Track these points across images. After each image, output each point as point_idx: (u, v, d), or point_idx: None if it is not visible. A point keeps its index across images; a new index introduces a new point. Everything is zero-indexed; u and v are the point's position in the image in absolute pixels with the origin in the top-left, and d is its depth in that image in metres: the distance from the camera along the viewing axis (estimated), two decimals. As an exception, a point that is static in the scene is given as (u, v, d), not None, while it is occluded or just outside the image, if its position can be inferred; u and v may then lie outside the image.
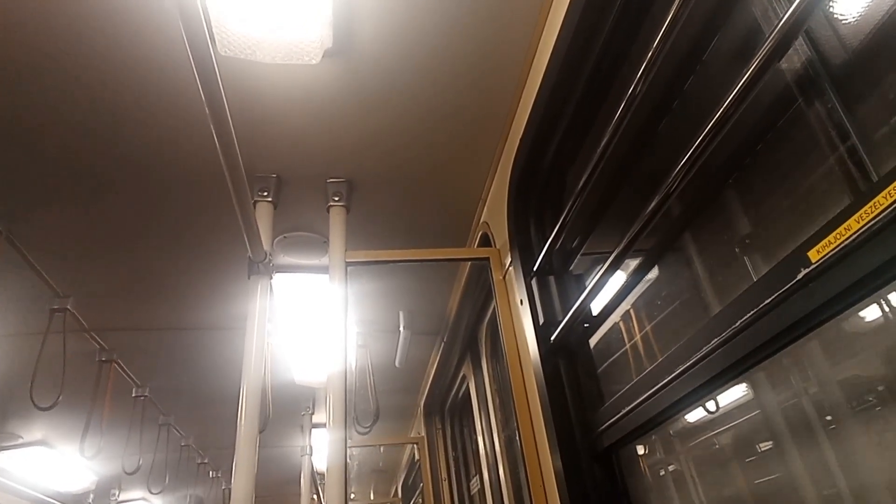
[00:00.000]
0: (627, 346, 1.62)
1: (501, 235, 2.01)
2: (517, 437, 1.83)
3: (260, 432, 1.72)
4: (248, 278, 1.83)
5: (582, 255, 1.74)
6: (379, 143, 1.95)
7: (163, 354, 3.35)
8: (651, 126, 1.36)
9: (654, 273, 1.50)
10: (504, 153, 1.98)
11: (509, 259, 1.93)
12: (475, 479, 3.70)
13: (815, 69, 0.94)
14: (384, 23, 1.53)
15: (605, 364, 1.66)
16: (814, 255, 0.80)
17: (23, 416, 3.84)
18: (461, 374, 3.57)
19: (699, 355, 1.05)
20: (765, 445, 1.18)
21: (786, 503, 1.11)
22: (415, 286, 2.91)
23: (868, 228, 0.72)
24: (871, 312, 0.89)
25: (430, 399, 4.21)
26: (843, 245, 0.75)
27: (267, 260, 1.82)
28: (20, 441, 4.22)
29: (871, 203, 0.72)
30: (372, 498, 7.77)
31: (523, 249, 1.84)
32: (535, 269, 1.75)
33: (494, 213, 2.12)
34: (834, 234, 0.77)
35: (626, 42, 1.36)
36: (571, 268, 1.77)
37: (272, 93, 1.72)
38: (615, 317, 1.63)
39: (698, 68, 1.22)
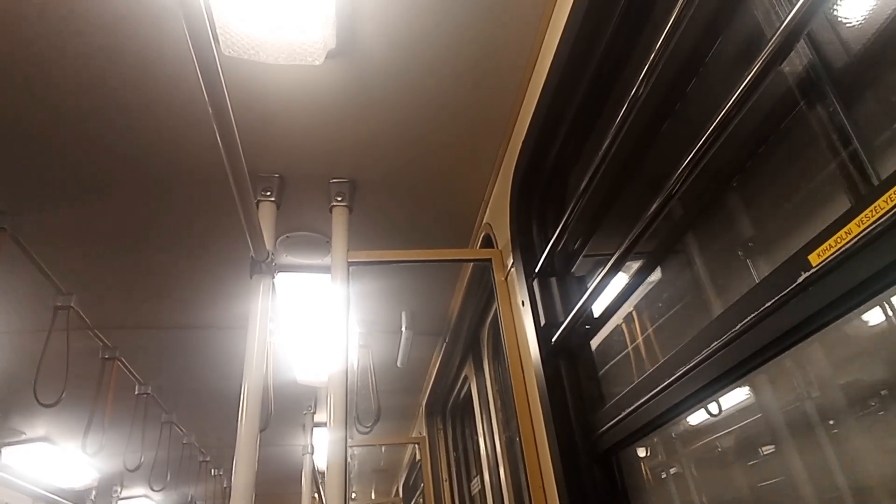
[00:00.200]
0: (629, 348, 1.62)
1: (504, 237, 2.01)
2: (518, 439, 1.83)
3: (261, 431, 1.72)
4: (251, 277, 1.84)
5: (584, 256, 1.74)
6: (382, 144, 1.96)
7: (166, 352, 3.37)
8: (653, 128, 1.36)
9: (655, 275, 1.50)
10: (507, 154, 1.98)
11: (511, 260, 1.93)
12: (476, 479, 3.70)
13: (816, 72, 0.94)
14: (387, 24, 1.53)
15: (606, 366, 1.66)
16: (814, 258, 0.80)
17: (26, 412, 3.86)
18: (463, 375, 3.57)
19: (699, 358, 1.05)
20: (765, 449, 1.18)
21: (785, 507, 1.10)
22: (417, 287, 2.91)
23: (869, 232, 0.72)
24: (872, 316, 0.89)
25: (431, 399, 4.21)
26: (843, 249, 0.75)
27: (269, 259, 1.83)
28: (23, 437, 4.24)
29: (871, 207, 0.71)
30: (373, 497, 7.78)
31: (525, 251, 1.85)
32: (536, 270, 1.76)
33: (497, 214, 2.12)
34: (835, 237, 0.76)
35: (629, 44, 1.36)
36: (573, 269, 1.77)
37: (275, 93, 1.72)
38: (616, 319, 1.63)
39: (700, 71, 1.22)
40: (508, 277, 1.98)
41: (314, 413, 4.36)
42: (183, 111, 1.75)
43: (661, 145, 1.38)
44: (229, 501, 1.59)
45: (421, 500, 4.54)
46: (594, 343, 1.67)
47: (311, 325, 2.99)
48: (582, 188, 1.41)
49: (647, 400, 1.23)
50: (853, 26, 0.91)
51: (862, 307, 0.81)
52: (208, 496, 5.48)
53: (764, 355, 0.93)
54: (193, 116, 1.76)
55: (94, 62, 1.57)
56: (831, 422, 1.00)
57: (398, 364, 3.40)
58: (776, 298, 0.86)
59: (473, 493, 3.82)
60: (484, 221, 2.31)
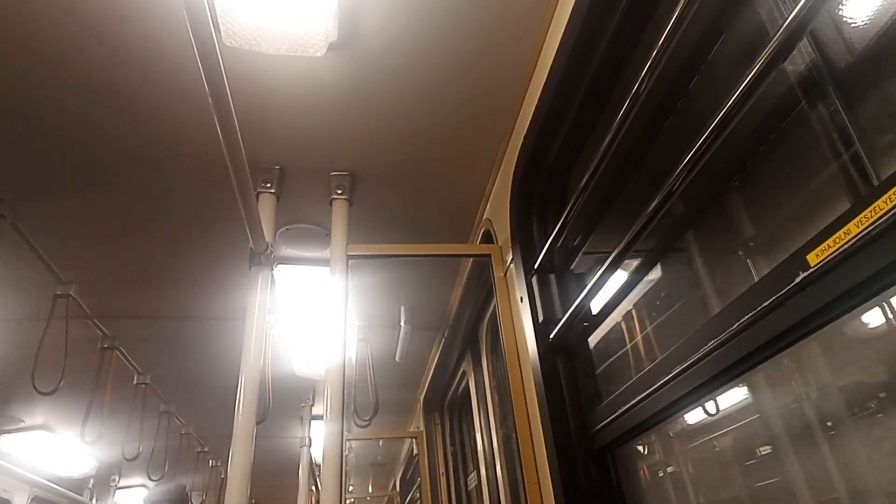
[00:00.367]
0: (627, 346, 1.62)
1: (503, 232, 2.01)
2: (515, 435, 1.83)
3: (259, 423, 1.72)
4: (250, 269, 1.83)
5: (583, 253, 1.74)
6: (383, 137, 1.95)
7: (165, 343, 3.37)
8: (654, 126, 1.36)
9: (654, 273, 1.50)
10: (508, 150, 1.97)
11: (511, 256, 1.93)
12: (473, 474, 3.71)
13: (819, 71, 0.94)
14: (389, 16, 1.53)
15: (604, 363, 1.66)
16: (812, 258, 0.79)
17: (25, 400, 3.88)
18: (461, 370, 3.58)
19: (696, 357, 1.05)
20: (760, 448, 1.18)
21: (779, 506, 1.11)
22: (416, 281, 2.91)
23: (868, 233, 0.71)
24: (870, 317, 0.89)
25: (429, 394, 4.22)
26: (842, 249, 0.75)
27: (269, 251, 1.83)
28: (22, 425, 4.26)
29: (871, 207, 0.71)
30: (370, 491, 7.80)
31: (525, 247, 1.84)
32: (536, 266, 1.75)
33: (497, 209, 2.12)
34: (833, 237, 0.76)
35: (631, 41, 1.35)
36: (572, 266, 1.77)
37: (276, 85, 1.71)
38: (615, 316, 1.62)
39: (702, 68, 1.22)
40: (508, 273, 1.98)
41: (312, 406, 4.37)
42: (183, 101, 1.74)
43: (662, 143, 1.38)
44: (225, 492, 1.59)
45: (418, 495, 4.55)
46: (592, 340, 1.67)
47: (310, 318, 2.99)
48: (582, 185, 1.41)
49: (644, 398, 1.23)
50: (856, 26, 0.90)
51: (860, 308, 0.81)
52: (206, 486, 5.49)
53: (761, 355, 0.93)
54: (194, 107, 1.75)
55: (94, 52, 1.57)
56: (828, 423, 1.00)
57: (396, 358, 3.40)
58: (774, 298, 0.86)
59: (470, 487, 3.83)
60: (484, 217, 2.31)
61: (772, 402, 1.14)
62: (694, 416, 1.35)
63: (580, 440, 1.54)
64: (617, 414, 1.35)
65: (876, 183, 0.82)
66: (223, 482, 5.60)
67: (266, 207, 2.00)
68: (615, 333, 1.66)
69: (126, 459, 3.45)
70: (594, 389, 1.62)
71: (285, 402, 4.08)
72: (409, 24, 1.55)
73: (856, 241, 0.73)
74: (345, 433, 1.75)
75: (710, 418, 1.28)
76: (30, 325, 2.70)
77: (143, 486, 5.91)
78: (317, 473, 4.60)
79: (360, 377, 3.18)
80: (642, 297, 1.56)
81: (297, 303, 2.86)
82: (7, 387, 3.61)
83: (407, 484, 6.12)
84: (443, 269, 2.81)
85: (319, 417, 4.36)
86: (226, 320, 3.06)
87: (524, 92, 1.76)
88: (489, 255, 2.08)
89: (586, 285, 1.42)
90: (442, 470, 4.10)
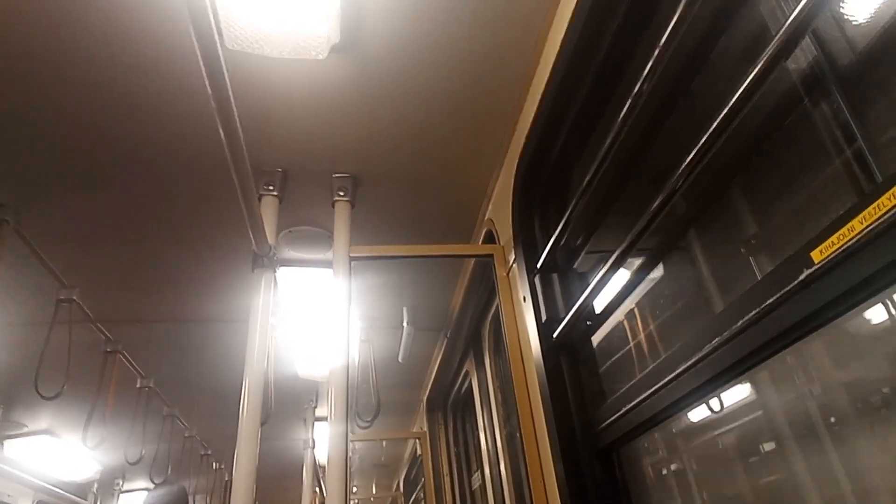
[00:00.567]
0: (630, 344, 1.62)
1: (506, 232, 2.01)
2: (518, 434, 1.83)
3: (262, 425, 1.73)
4: (253, 271, 1.84)
5: (586, 252, 1.74)
6: (385, 139, 1.95)
7: (167, 346, 3.38)
8: (657, 124, 1.36)
9: (657, 272, 1.50)
10: (510, 150, 1.97)
11: (513, 256, 1.93)
12: (476, 474, 3.71)
13: (821, 69, 0.94)
14: (391, 18, 1.53)
15: (607, 362, 1.66)
16: (816, 255, 0.79)
17: (28, 405, 3.88)
18: (464, 371, 3.58)
19: (700, 354, 1.05)
20: (765, 445, 1.18)
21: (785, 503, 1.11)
22: (419, 282, 2.91)
23: (871, 230, 0.71)
24: (874, 314, 0.89)
25: (432, 394, 4.22)
26: (846, 246, 0.75)
27: (271, 253, 1.83)
28: (25, 430, 4.26)
29: (874, 204, 0.71)
30: (374, 492, 7.80)
31: (527, 246, 1.85)
32: (538, 266, 1.76)
33: (499, 209, 2.12)
34: (837, 234, 0.76)
35: (633, 39, 1.35)
36: (575, 265, 1.77)
37: (279, 87, 1.72)
38: (618, 315, 1.63)
39: (705, 67, 1.22)
40: (510, 273, 1.98)
41: (315, 407, 4.37)
42: (186, 105, 1.75)
43: (664, 141, 1.38)
44: (231, 495, 1.60)
45: (422, 495, 4.55)
46: (595, 339, 1.67)
47: (313, 320, 2.99)
48: (585, 184, 1.41)
49: (648, 396, 1.23)
50: (858, 23, 0.91)
51: (864, 305, 0.81)
52: (209, 489, 5.49)
53: (765, 352, 0.94)
54: (196, 110, 1.76)
55: (97, 56, 1.57)
56: (833, 419, 1.00)
57: (399, 359, 3.41)
58: (778, 295, 0.86)
59: (474, 487, 3.83)
60: (486, 217, 2.31)
61: (777, 398, 1.14)
62: (699, 414, 1.35)
63: (585, 438, 1.54)
64: (621, 412, 1.35)
65: (879, 180, 0.83)
66: (227, 485, 5.60)
67: (268, 210, 2.01)
68: (618, 332, 1.66)
69: (129, 463, 3.45)
70: (598, 388, 1.62)
71: (288, 404, 4.08)
72: (411, 25, 1.55)
73: (860, 238, 0.73)
74: (349, 434, 1.76)
75: (715, 415, 1.28)
76: (33, 330, 2.70)
77: (147, 489, 5.91)
78: (320, 475, 4.60)
79: (363, 378, 3.18)
80: (645, 295, 1.56)
81: (300, 305, 2.86)
82: (10, 392, 3.62)
83: (410, 484, 6.12)
84: (445, 269, 2.82)
85: (323, 419, 4.36)
86: (229, 323, 3.06)
87: (526, 92, 1.77)
88: (491, 255, 2.08)
89: (589, 284, 1.43)
90: (445, 470, 4.11)
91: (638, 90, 1.15)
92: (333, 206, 2.11)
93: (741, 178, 1.19)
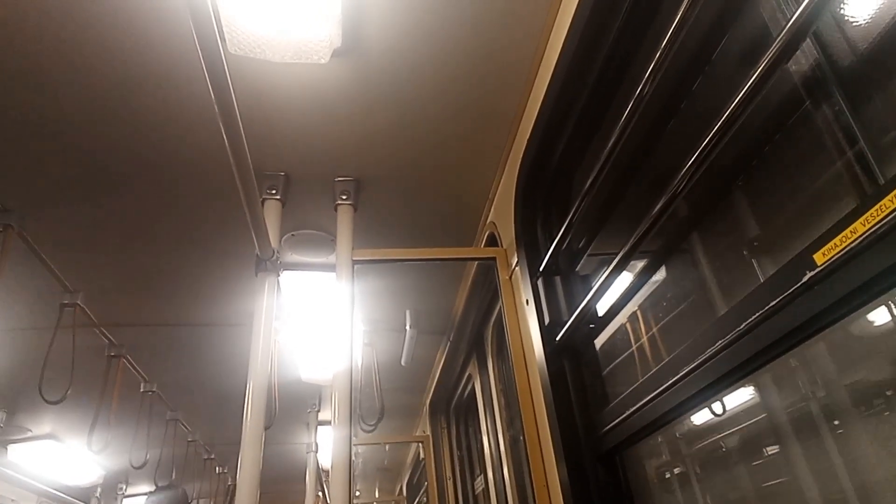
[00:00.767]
0: (633, 347, 1.62)
1: (508, 235, 2.02)
2: (522, 437, 1.83)
3: (266, 429, 1.73)
4: (256, 275, 1.85)
5: (588, 255, 1.74)
6: (387, 143, 1.96)
7: (171, 350, 3.38)
8: (659, 127, 1.36)
9: (660, 274, 1.50)
10: (512, 153, 1.98)
11: (516, 259, 1.93)
12: (479, 478, 3.70)
13: (822, 71, 0.94)
14: (393, 22, 1.54)
15: (611, 365, 1.66)
16: (819, 257, 0.79)
17: (32, 409, 3.88)
18: (467, 374, 3.58)
19: (704, 357, 1.05)
20: (769, 448, 1.17)
21: (790, 506, 1.10)
22: (421, 285, 2.92)
23: (874, 232, 0.71)
24: (877, 316, 0.89)
25: (435, 398, 4.22)
26: (848, 248, 0.75)
27: (275, 257, 1.84)
28: (29, 434, 4.27)
29: (877, 206, 0.71)
30: (377, 496, 7.79)
31: (530, 249, 1.85)
32: (541, 269, 1.76)
33: (501, 212, 2.12)
34: (840, 236, 0.76)
35: (635, 42, 1.36)
36: (578, 268, 1.77)
37: (281, 92, 1.72)
38: (621, 318, 1.63)
39: (706, 69, 1.22)
40: (513, 276, 1.98)
41: (318, 411, 4.37)
42: (189, 109, 1.75)
43: (666, 144, 1.38)
44: (234, 499, 1.60)
45: (425, 499, 4.55)
46: (598, 342, 1.67)
47: (316, 324, 3.00)
48: (587, 187, 1.41)
49: (652, 399, 1.23)
50: (859, 25, 0.91)
51: (867, 307, 0.81)
52: (213, 493, 5.49)
53: (768, 355, 0.93)
54: (199, 115, 1.76)
55: (100, 60, 1.58)
56: (836, 422, 1.00)
57: (402, 362, 3.41)
58: (781, 298, 0.86)
59: (477, 491, 3.82)
60: (488, 220, 2.31)
61: (781, 401, 1.13)
62: (703, 417, 1.34)
63: (588, 442, 1.54)
64: (625, 415, 1.35)
65: (881, 181, 0.82)
66: (230, 489, 5.60)
67: (271, 214, 2.01)
68: (621, 335, 1.66)
69: (133, 467, 3.46)
70: (601, 391, 1.62)
71: (291, 408, 4.08)
72: (412, 29, 1.56)
73: (862, 240, 0.73)
74: (352, 438, 1.75)
75: (718, 419, 1.28)
76: (37, 335, 2.71)
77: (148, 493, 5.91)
78: (324, 479, 4.60)
79: (367, 382, 3.18)
80: (648, 298, 1.56)
81: (303, 308, 2.86)
82: (15, 396, 3.63)
83: (414, 488, 6.11)
84: (448, 272, 2.82)
85: (326, 423, 4.36)
86: (232, 327, 3.06)
87: (527, 95, 1.77)
88: (494, 258, 2.09)
89: (592, 287, 1.43)
90: (449, 474, 4.10)
91: (640, 93, 1.15)
92: (336, 210, 2.11)
93: (743, 180, 1.19)
